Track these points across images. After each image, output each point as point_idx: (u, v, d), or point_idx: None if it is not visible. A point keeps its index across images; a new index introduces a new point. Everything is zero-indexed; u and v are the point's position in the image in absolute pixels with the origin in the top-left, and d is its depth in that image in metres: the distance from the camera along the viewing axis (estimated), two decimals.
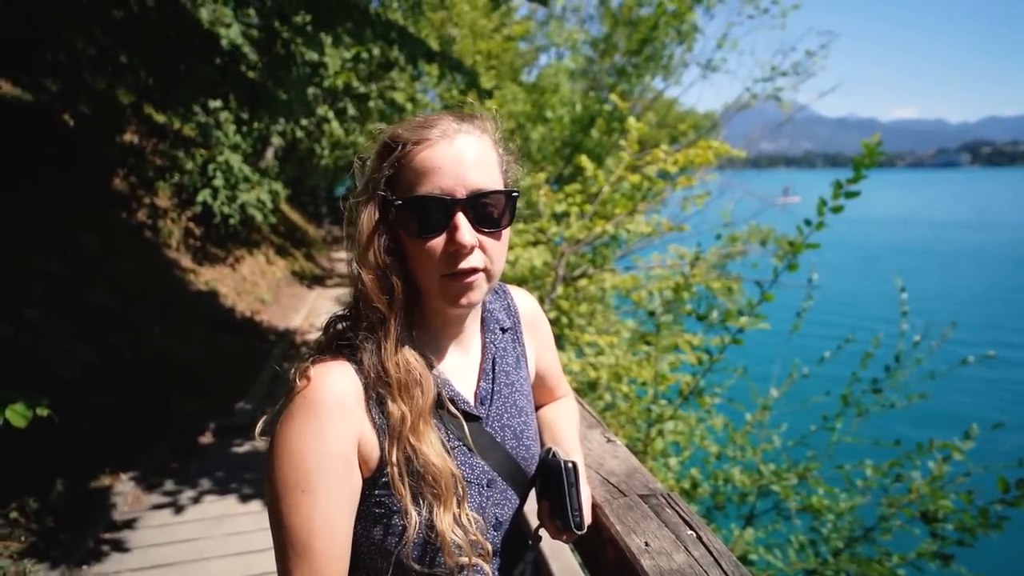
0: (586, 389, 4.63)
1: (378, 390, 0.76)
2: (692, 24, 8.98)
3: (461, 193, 0.74)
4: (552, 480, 0.90)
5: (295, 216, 14.59)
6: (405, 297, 0.78)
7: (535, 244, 5.36)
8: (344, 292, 10.69)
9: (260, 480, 3.77)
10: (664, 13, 8.79)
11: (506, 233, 0.80)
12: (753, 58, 9.05)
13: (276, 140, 9.05)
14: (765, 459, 3.79)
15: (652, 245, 7.34)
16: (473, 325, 0.90)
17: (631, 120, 4.55)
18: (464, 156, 0.75)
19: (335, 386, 0.74)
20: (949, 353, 3.85)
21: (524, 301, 1.02)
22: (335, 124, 8.26)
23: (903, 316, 3.81)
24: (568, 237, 4.99)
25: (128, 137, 7.45)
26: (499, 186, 0.78)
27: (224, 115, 7.32)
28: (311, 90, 6.96)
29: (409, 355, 0.77)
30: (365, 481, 0.76)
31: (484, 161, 0.77)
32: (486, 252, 0.77)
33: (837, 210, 2.82)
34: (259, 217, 7.83)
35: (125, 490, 3.52)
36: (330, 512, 0.71)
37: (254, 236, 9.28)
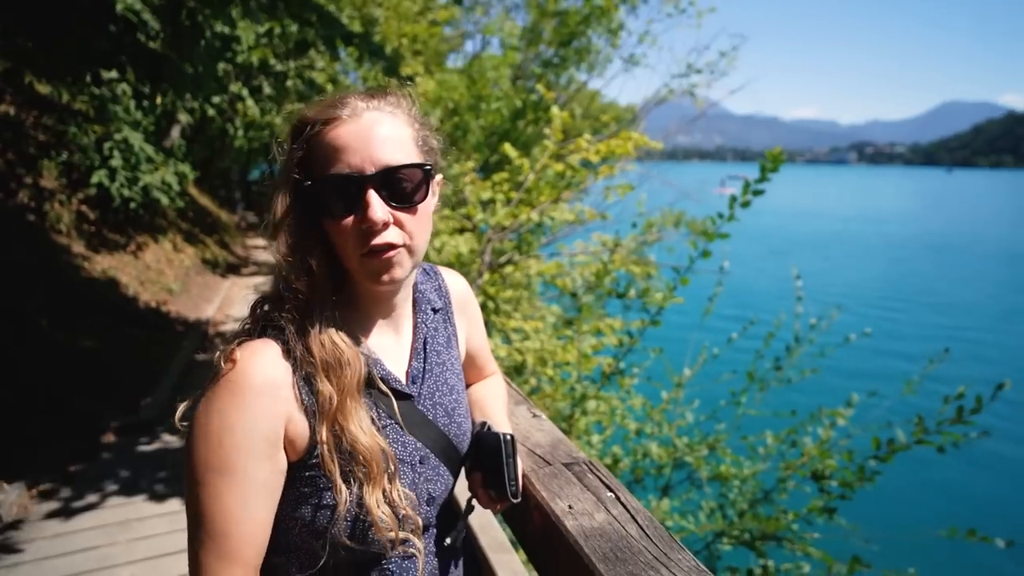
0: (512, 374, 4.72)
1: (305, 370, 0.75)
2: (620, 21, 9.24)
3: (370, 170, 0.73)
4: (488, 452, 0.93)
5: (205, 200, 13.66)
6: (329, 277, 0.78)
7: (461, 231, 5.37)
8: (263, 280, 10.25)
9: (170, 480, 3.56)
10: (593, 9, 8.99)
11: (425, 208, 0.79)
12: (671, 55, 9.45)
13: (184, 118, 8.41)
14: (680, 433, 4.05)
15: (575, 233, 7.55)
16: (404, 305, 0.90)
17: (554, 109, 4.65)
18: (373, 132, 0.74)
19: (261, 367, 0.73)
20: (839, 332, 4.26)
21: (455, 282, 1.03)
22: (250, 103, 7.79)
23: (798, 300, 4.18)
24: (494, 224, 5.04)
25: (3, 108, 6.67)
26: (414, 160, 0.77)
27: (122, 88, 6.70)
28: (222, 65, 6.51)
29: (335, 335, 0.77)
30: (293, 463, 0.76)
31: (396, 137, 0.76)
32: (403, 228, 0.76)
33: (745, 204, 3.11)
34: (164, 201, 7.26)
35: (9, 499, 3.20)
36: (247, 495, 0.69)
37: (159, 221, 8.61)
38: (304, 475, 0.76)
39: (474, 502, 0.99)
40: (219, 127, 10.70)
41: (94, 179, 6.59)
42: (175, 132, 9.24)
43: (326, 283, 0.78)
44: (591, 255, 6.18)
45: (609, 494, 0.96)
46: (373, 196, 0.73)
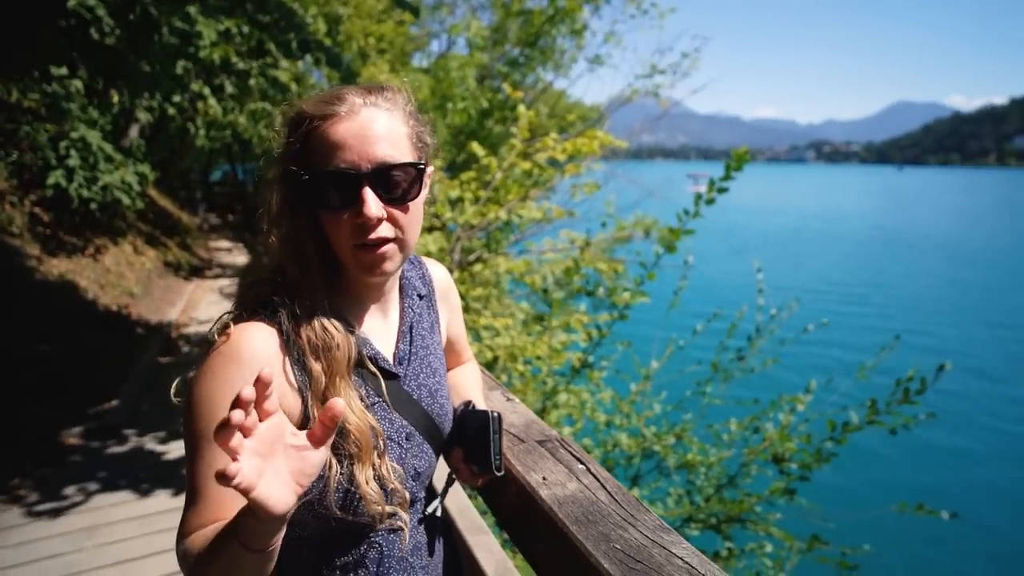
0: (483, 370, 4.77)
1: (297, 351, 0.78)
2: (584, 22, 9.36)
3: (366, 167, 0.76)
4: (473, 428, 0.98)
5: (165, 202, 13.27)
6: (323, 264, 0.82)
7: (430, 230, 5.39)
8: (227, 284, 9.93)
9: (139, 483, 3.49)
10: (557, 11, 9.09)
11: (417, 204, 0.82)
12: (635, 55, 9.65)
13: (143, 116, 8.16)
14: (648, 424, 4.17)
15: (543, 231, 7.65)
16: (392, 291, 0.94)
17: (521, 107, 4.71)
18: (370, 130, 0.76)
19: (254, 341, 0.76)
20: (799, 325, 4.44)
21: (438, 271, 1.08)
22: (212, 101, 7.60)
23: (759, 292, 4.35)
24: (463, 223, 5.08)
25: None
26: (407, 159, 0.79)
27: (75, 85, 6.47)
28: (182, 63, 6.36)
29: (326, 321, 0.80)
30: None
31: (391, 134, 0.78)
32: (396, 223, 0.80)
33: (710, 202, 3.24)
34: (125, 201, 7.03)
35: None
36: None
37: (117, 223, 8.35)
38: None
39: (454, 476, 1.04)
40: (179, 126, 10.42)
41: (50, 180, 6.35)
42: (133, 131, 8.96)
43: (319, 270, 0.81)
44: (559, 252, 6.28)
45: (580, 466, 1.03)
46: (368, 193, 0.76)
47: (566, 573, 0.88)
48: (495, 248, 6.30)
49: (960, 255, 30.78)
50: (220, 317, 0.80)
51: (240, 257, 12.46)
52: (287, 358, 0.78)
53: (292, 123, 0.80)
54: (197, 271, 10.19)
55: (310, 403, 0.78)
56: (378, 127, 0.78)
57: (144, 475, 3.59)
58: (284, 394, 0.77)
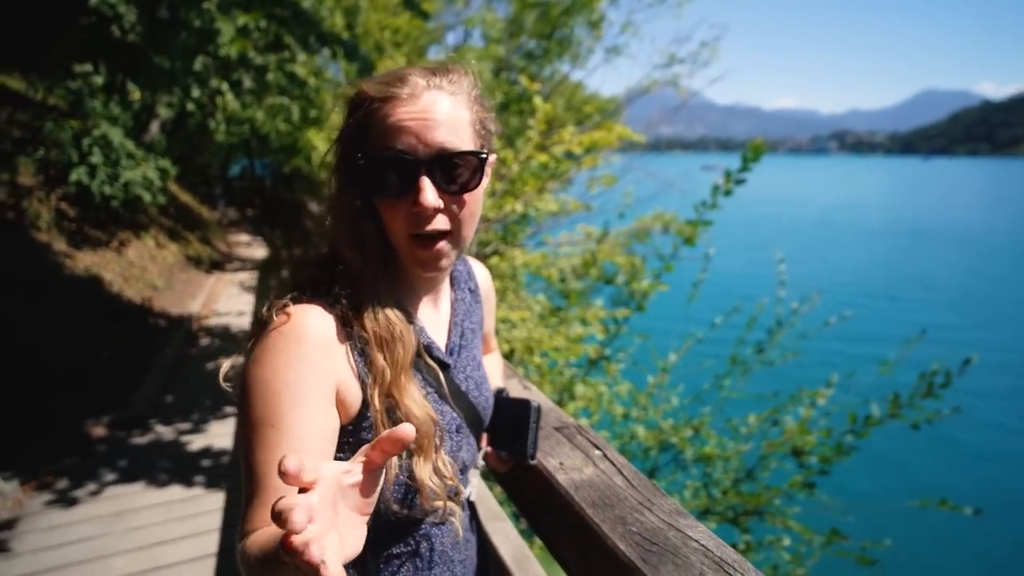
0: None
1: (359, 338, 0.75)
2: (601, 13, 9.27)
3: (425, 153, 0.72)
4: (509, 416, 0.99)
5: (186, 197, 13.48)
6: (383, 251, 0.79)
7: None
8: (247, 277, 10.06)
9: (164, 471, 3.57)
10: (575, 1, 9.01)
11: (475, 196, 0.78)
12: (653, 45, 9.52)
13: (163, 112, 8.29)
14: (665, 417, 4.15)
15: (560, 225, 7.62)
16: (444, 281, 0.93)
17: (537, 99, 4.69)
18: (430, 115, 0.72)
19: (316, 323, 0.73)
20: (821, 318, 4.37)
21: (482, 272, 1.07)
22: (230, 97, 7.70)
23: (780, 284, 4.29)
24: (480, 216, 5.08)
25: None
26: (469, 146, 0.75)
27: (98, 82, 6.59)
28: (202, 59, 6.44)
29: (388, 310, 0.77)
30: (344, 427, 0.75)
31: (453, 120, 0.74)
32: (453, 214, 0.76)
33: (727, 193, 3.21)
34: (146, 198, 7.16)
35: (5, 490, 3.22)
36: (296, 448, 0.66)
37: (140, 218, 8.50)
38: (353, 440, 0.76)
39: (479, 462, 1.04)
40: (198, 122, 10.56)
41: (73, 176, 6.49)
42: (154, 127, 9.11)
43: (379, 257, 0.79)
44: (576, 245, 6.25)
45: (597, 452, 1.03)
46: (425, 181, 0.72)
47: (583, 556, 0.88)
48: (512, 240, 6.29)
49: (987, 248, 30.00)
50: (273, 299, 0.76)
51: (259, 251, 12.62)
52: (348, 346, 0.75)
53: (352, 104, 0.77)
54: (217, 264, 10.35)
55: (372, 394, 0.75)
56: (440, 112, 0.73)
57: (168, 464, 3.67)
58: (344, 379, 0.74)
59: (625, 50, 9.92)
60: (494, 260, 6.13)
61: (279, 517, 0.39)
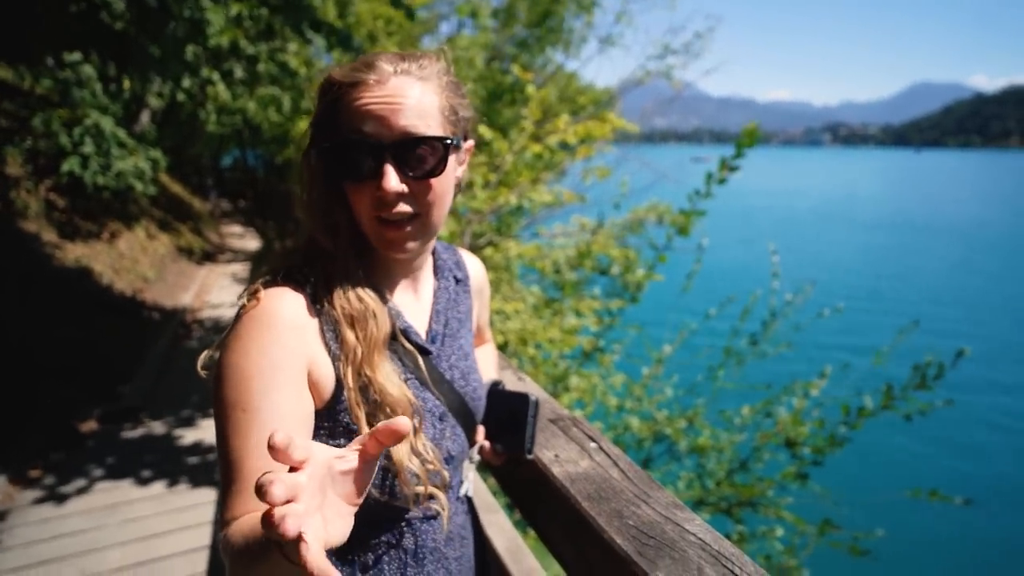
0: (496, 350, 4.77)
1: (331, 319, 0.76)
2: None
3: (389, 139, 0.72)
4: (505, 409, 0.98)
5: (177, 188, 13.36)
6: (354, 235, 0.80)
7: None
8: (239, 269, 9.99)
9: (157, 463, 3.56)
10: None
11: (442, 181, 0.78)
12: (647, 36, 9.48)
13: (154, 102, 8.18)
14: (659, 408, 4.17)
15: (554, 216, 7.60)
16: (424, 270, 0.92)
17: (531, 88, 4.66)
18: (397, 100, 0.73)
19: (286, 306, 0.73)
20: (814, 310, 4.38)
21: (475, 265, 1.06)
22: (221, 87, 7.60)
23: (774, 276, 4.30)
24: (474, 208, 5.06)
25: None
26: (436, 132, 0.75)
27: (87, 71, 6.49)
28: (192, 48, 6.34)
29: (360, 291, 0.78)
30: (318, 411, 0.75)
31: (420, 106, 0.74)
32: (418, 200, 0.76)
33: (722, 181, 3.18)
34: (139, 187, 7.08)
35: None
36: (269, 431, 0.66)
37: (131, 209, 8.42)
38: (328, 424, 0.76)
39: (475, 456, 1.03)
40: (189, 112, 10.44)
41: (65, 166, 6.40)
42: (144, 117, 9.00)
43: (349, 240, 0.79)
44: (570, 237, 6.24)
45: (592, 444, 1.02)
46: (388, 166, 0.73)
47: (579, 549, 0.88)
48: (506, 232, 6.27)
49: (978, 240, 30.21)
50: (247, 286, 0.77)
51: (251, 242, 12.55)
52: (321, 325, 0.75)
53: (322, 89, 0.78)
54: (209, 256, 10.29)
55: (344, 372, 0.75)
56: (406, 97, 0.73)
57: (160, 456, 3.65)
58: (316, 360, 0.74)
59: (619, 41, 9.87)
60: (488, 251, 6.10)
61: (260, 490, 0.39)
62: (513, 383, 1.29)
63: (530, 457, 0.97)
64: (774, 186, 71.54)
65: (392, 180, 0.73)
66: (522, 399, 0.99)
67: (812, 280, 4.89)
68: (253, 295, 0.74)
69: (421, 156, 0.75)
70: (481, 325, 1.13)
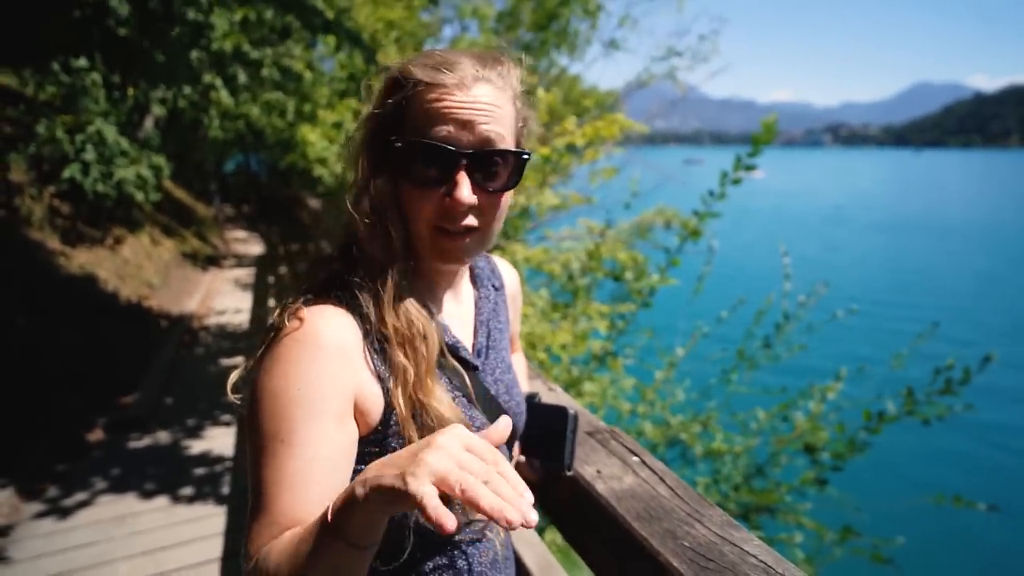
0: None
1: (378, 339, 0.71)
2: (598, 2, 9.19)
3: (467, 147, 0.69)
4: (543, 423, 0.94)
5: (181, 194, 13.37)
6: (406, 242, 0.74)
7: None
8: (244, 274, 9.96)
9: (165, 474, 3.50)
10: None
11: (508, 195, 0.75)
12: (651, 39, 9.45)
13: (157, 108, 8.17)
14: (672, 412, 4.11)
15: (560, 219, 7.55)
16: (463, 279, 0.88)
17: (540, 91, 4.63)
18: (478, 108, 0.69)
19: (332, 328, 0.68)
20: (827, 312, 4.32)
21: (510, 273, 1.03)
22: (224, 93, 7.58)
23: (786, 278, 4.24)
24: None
25: None
26: (511, 145, 0.72)
27: (91, 77, 6.47)
28: (195, 53, 6.33)
29: (410, 306, 0.73)
30: (364, 438, 0.71)
31: (499, 116, 0.71)
32: (483, 212, 0.72)
33: (736, 182, 3.12)
34: (139, 197, 7.04)
35: None
36: (307, 465, 0.63)
37: (135, 215, 8.40)
38: (378, 450, 0.71)
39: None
40: (193, 118, 10.43)
41: (66, 173, 6.37)
42: (148, 123, 8.98)
43: (402, 249, 0.74)
44: (577, 240, 6.19)
45: (635, 458, 0.97)
46: (463, 175, 0.69)
47: (628, 570, 0.83)
48: (513, 235, 6.23)
49: (990, 241, 30.02)
50: (285, 302, 0.71)
51: (255, 247, 12.52)
52: (367, 346, 0.70)
53: (394, 84, 0.72)
54: (214, 261, 10.26)
55: (395, 396, 0.70)
56: (487, 105, 0.70)
57: (167, 467, 3.60)
58: (364, 386, 0.69)
59: (623, 44, 9.84)
60: (495, 255, 6.07)
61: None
62: (544, 393, 1.24)
63: (570, 473, 0.92)
64: (780, 188, 71.33)
65: (465, 191, 0.69)
66: (560, 413, 0.94)
67: (825, 281, 4.83)
68: (295, 314, 0.68)
69: (496, 168, 0.71)
70: (513, 334, 1.08)
